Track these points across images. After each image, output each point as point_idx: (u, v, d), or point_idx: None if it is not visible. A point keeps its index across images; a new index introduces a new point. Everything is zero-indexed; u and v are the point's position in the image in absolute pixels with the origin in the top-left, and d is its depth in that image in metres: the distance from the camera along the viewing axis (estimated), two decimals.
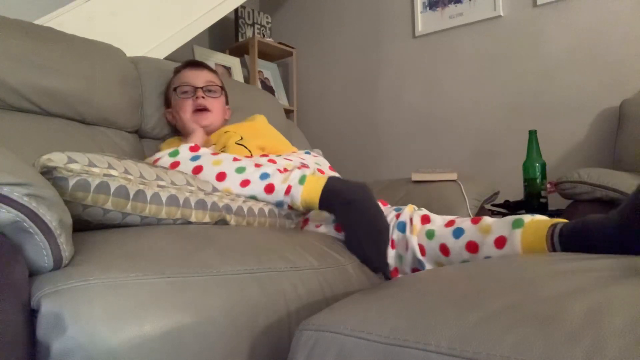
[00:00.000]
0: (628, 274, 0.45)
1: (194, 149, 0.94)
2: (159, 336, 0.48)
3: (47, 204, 0.48)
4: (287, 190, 0.88)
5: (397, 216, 0.91)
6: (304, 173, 0.91)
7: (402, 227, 0.87)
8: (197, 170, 0.88)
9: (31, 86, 1.09)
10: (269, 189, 0.89)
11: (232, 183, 0.87)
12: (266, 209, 0.88)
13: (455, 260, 0.79)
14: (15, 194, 0.45)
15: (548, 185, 1.56)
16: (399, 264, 0.87)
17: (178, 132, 1.38)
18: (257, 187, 0.88)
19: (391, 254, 0.88)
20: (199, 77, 1.31)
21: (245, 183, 0.88)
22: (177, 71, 1.35)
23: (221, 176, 0.88)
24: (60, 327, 0.44)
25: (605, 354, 0.31)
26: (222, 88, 1.36)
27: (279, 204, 0.90)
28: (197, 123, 1.27)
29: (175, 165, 0.90)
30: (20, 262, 0.47)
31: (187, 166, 0.90)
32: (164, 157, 0.91)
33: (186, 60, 1.40)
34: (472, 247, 0.77)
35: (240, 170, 0.90)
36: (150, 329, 0.48)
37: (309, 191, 0.88)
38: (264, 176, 0.90)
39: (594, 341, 0.33)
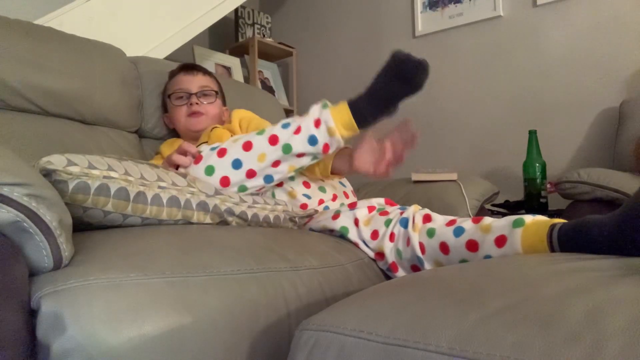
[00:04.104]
0: (628, 274, 0.45)
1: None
2: (158, 336, 0.48)
3: (47, 204, 0.48)
4: (317, 123, 0.93)
5: (401, 213, 0.91)
6: (323, 104, 0.96)
7: (404, 223, 0.88)
8: (222, 152, 0.93)
9: (31, 86, 1.09)
10: (297, 130, 0.93)
11: (261, 145, 0.92)
12: (271, 215, 0.88)
13: (455, 258, 0.79)
14: (15, 194, 0.45)
15: (548, 185, 1.56)
16: (398, 259, 0.87)
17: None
18: (285, 135, 0.93)
19: (389, 247, 0.88)
20: (193, 83, 1.30)
21: (273, 139, 0.93)
22: (171, 75, 1.34)
23: (248, 145, 0.93)
24: (60, 327, 0.44)
25: (605, 354, 0.31)
26: (217, 92, 1.35)
27: (312, 141, 0.93)
28: (191, 128, 1.27)
29: (198, 159, 0.93)
30: (20, 262, 0.47)
31: (209, 155, 0.93)
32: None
33: (180, 63, 1.38)
34: (472, 245, 0.77)
35: (261, 132, 0.95)
36: (150, 329, 0.48)
37: (338, 110, 0.94)
38: (286, 125, 0.94)
39: (594, 341, 0.33)
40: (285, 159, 0.94)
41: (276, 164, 0.94)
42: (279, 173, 0.95)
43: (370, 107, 0.96)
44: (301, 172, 1.13)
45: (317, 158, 0.98)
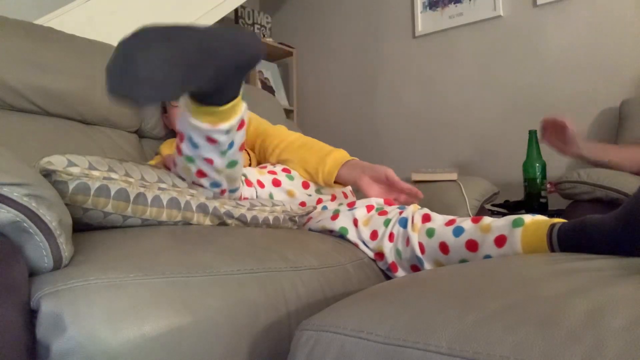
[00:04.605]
0: (628, 274, 0.45)
1: None
2: (158, 336, 0.48)
3: (47, 204, 0.48)
4: (183, 122, 0.74)
5: (400, 213, 0.91)
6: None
7: (403, 223, 0.88)
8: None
9: (31, 86, 1.09)
10: (180, 137, 0.77)
11: (176, 159, 0.79)
12: (271, 217, 0.88)
13: (455, 258, 0.79)
14: (15, 194, 0.45)
15: (548, 185, 1.56)
16: (398, 259, 0.87)
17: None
18: (180, 145, 0.77)
19: (389, 247, 0.88)
20: None
21: (178, 149, 0.78)
22: None
23: (170, 161, 0.82)
24: (60, 327, 0.44)
25: (605, 354, 0.31)
26: None
27: (193, 145, 0.75)
28: None
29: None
30: (20, 262, 0.47)
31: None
32: None
33: None
34: (472, 245, 0.77)
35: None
36: (150, 329, 0.48)
37: (185, 100, 0.73)
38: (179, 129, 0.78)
39: (594, 341, 0.33)
40: (204, 168, 0.78)
41: (200, 174, 0.79)
42: (215, 179, 0.81)
43: (203, 83, 0.67)
44: (301, 174, 1.13)
45: (225, 152, 0.78)
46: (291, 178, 1.09)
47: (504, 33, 2.11)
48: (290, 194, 1.06)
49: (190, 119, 0.72)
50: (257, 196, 1.01)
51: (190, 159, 0.77)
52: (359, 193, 1.54)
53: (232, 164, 0.81)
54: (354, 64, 2.61)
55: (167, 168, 0.93)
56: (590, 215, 0.67)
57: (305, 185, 1.11)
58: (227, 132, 0.75)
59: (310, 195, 1.09)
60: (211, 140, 0.75)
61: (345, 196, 1.19)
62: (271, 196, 1.05)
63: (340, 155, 1.11)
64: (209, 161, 0.77)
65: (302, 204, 1.06)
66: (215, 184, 0.81)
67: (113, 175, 0.63)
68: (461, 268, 0.56)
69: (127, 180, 0.65)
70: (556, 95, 1.96)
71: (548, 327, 0.35)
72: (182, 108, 0.75)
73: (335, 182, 1.08)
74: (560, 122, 1.31)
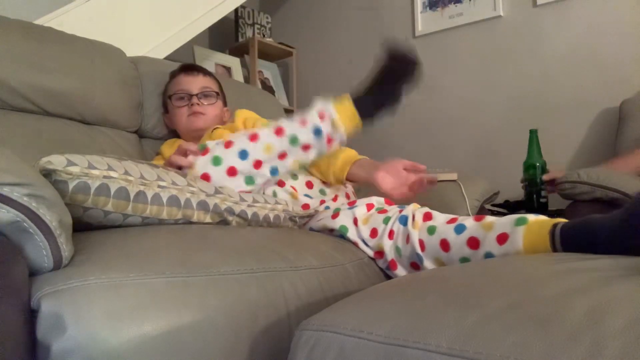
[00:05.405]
0: (628, 274, 0.45)
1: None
2: (158, 336, 0.48)
3: (47, 204, 0.48)
4: (321, 115, 0.98)
5: (400, 211, 0.91)
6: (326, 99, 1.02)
7: (404, 221, 0.88)
8: (229, 144, 0.95)
9: (31, 86, 1.09)
10: (303, 122, 0.97)
11: (267, 136, 0.96)
12: (271, 215, 0.88)
13: (455, 256, 0.79)
14: (15, 194, 0.45)
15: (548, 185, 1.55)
16: (397, 256, 0.87)
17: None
18: (291, 127, 0.97)
19: (388, 244, 0.88)
20: (193, 83, 1.29)
21: (279, 131, 0.96)
22: (172, 76, 1.34)
23: (254, 136, 0.96)
24: (60, 327, 0.44)
25: (605, 354, 0.31)
26: (218, 92, 1.35)
27: (317, 132, 0.97)
28: (191, 126, 1.27)
29: (205, 152, 0.94)
30: (20, 262, 0.47)
31: (215, 147, 0.95)
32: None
33: (181, 64, 1.38)
34: (473, 242, 0.77)
35: (266, 125, 0.99)
36: (150, 328, 0.48)
37: (341, 104, 0.99)
38: (290, 119, 0.98)
39: (594, 341, 0.33)
40: (291, 152, 0.97)
41: (282, 155, 0.96)
42: (284, 166, 0.98)
43: (372, 102, 1.01)
44: (311, 173, 1.13)
45: (321, 152, 1.01)
46: (295, 177, 1.09)
47: (503, 33, 2.11)
48: (293, 195, 1.06)
49: (338, 118, 0.98)
50: (263, 192, 1.02)
51: (294, 140, 0.96)
52: (361, 194, 1.54)
53: (306, 163, 1.04)
54: (354, 64, 2.61)
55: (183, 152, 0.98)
56: (593, 215, 0.67)
57: (309, 185, 1.11)
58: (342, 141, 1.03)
59: (312, 197, 1.09)
60: (330, 140, 0.99)
61: (348, 197, 1.19)
62: (275, 194, 1.05)
63: (351, 153, 1.13)
64: (306, 148, 0.98)
65: (305, 206, 1.06)
66: (275, 171, 0.97)
67: (112, 174, 0.63)
68: (461, 268, 0.56)
69: (126, 179, 0.65)
70: (556, 95, 1.96)
71: (548, 327, 0.35)
72: (328, 108, 0.98)
73: (347, 179, 1.09)
74: (552, 179, 1.50)
